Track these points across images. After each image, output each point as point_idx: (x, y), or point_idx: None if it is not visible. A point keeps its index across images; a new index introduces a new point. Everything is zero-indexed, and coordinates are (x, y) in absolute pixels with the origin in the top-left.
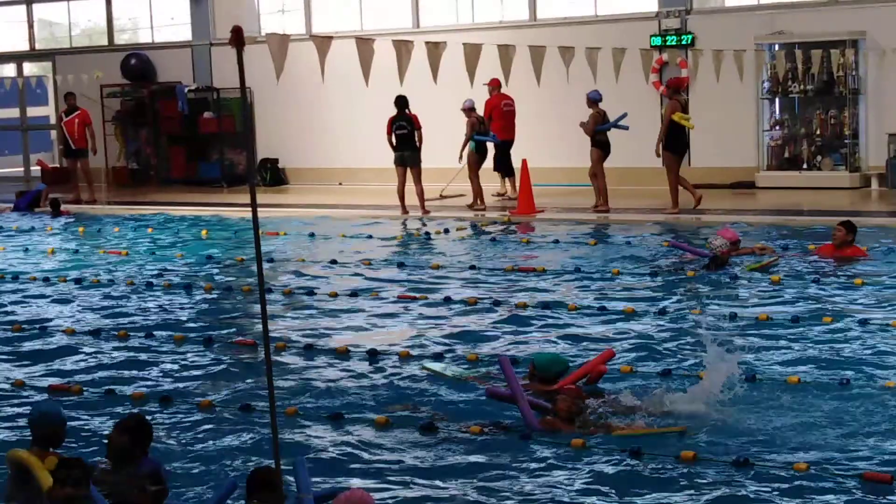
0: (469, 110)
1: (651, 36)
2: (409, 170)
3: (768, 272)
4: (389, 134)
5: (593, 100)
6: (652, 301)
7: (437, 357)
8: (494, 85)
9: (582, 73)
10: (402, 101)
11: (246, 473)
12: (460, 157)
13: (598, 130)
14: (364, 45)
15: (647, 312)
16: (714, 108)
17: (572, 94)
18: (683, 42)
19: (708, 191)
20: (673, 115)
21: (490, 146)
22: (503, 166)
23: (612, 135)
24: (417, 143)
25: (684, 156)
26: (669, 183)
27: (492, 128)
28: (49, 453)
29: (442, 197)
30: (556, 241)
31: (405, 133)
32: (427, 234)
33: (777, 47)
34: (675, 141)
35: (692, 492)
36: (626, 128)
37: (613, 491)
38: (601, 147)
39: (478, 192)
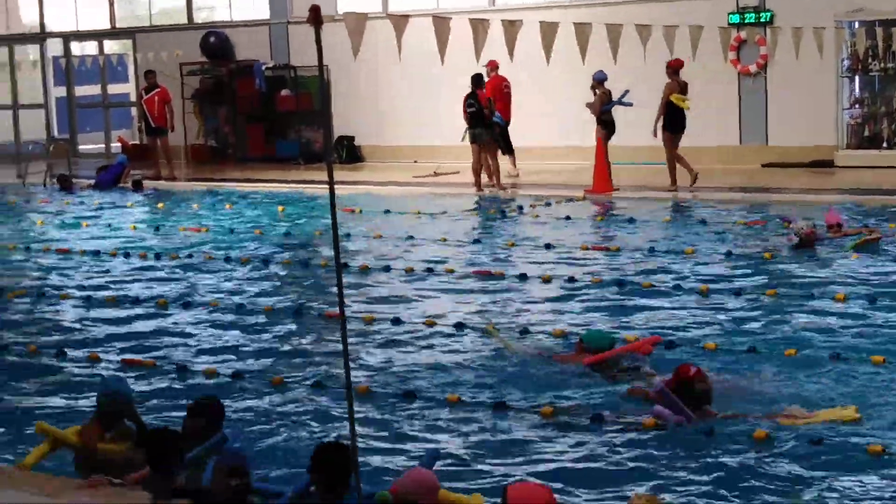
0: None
1: (729, 14)
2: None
3: (868, 250)
4: (465, 111)
5: (598, 80)
6: (727, 280)
7: (521, 332)
8: (493, 67)
9: (659, 52)
10: (473, 80)
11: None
12: (463, 137)
13: (604, 110)
14: (440, 23)
15: (723, 291)
16: (792, 87)
17: (649, 73)
18: (762, 20)
19: (785, 170)
20: (671, 96)
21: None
22: (506, 146)
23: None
24: (486, 121)
25: (681, 135)
26: (667, 161)
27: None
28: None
29: (436, 174)
30: (632, 220)
31: (474, 111)
32: (502, 210)
33: (857, 24)
34: (672, 121)
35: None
36: (630, 104)
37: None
38: (606, 127)
39: (497, 171)
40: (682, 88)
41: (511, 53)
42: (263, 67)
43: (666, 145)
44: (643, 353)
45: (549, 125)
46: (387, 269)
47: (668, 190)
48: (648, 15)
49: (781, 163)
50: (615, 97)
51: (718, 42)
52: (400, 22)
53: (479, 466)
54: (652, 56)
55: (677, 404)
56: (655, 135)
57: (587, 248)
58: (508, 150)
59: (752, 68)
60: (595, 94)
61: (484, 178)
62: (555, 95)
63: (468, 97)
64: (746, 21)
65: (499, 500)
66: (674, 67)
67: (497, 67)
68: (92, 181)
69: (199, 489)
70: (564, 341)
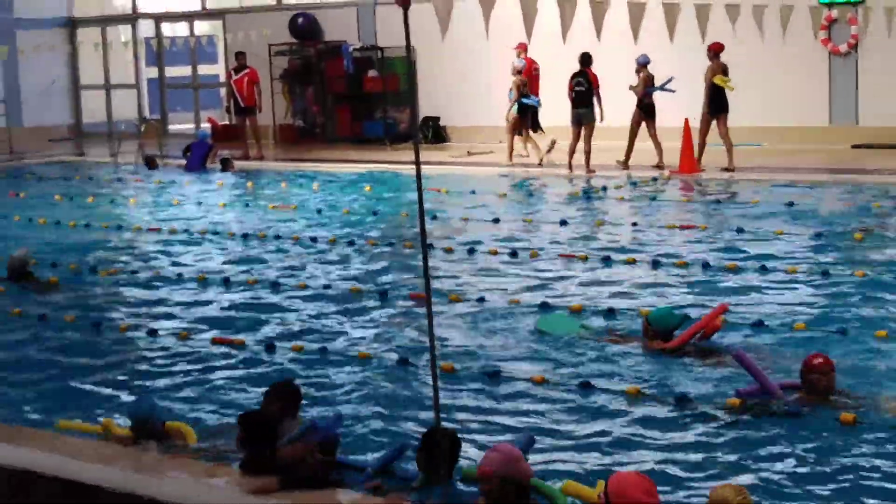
0: (518, 72)
1: None
2: (582, 128)
3: None
4: (571, 90)
5: (642, 63)
6: (815, 262)
7: (605, 314)
8: (523, 49)
9: (748, 31)
10: (583, 59)
11: (407, 433)
12: (507, 117)
13: (647, 93)
14: (528, 3)
15: (812, 271)
16: (884, 66)
17: (738, 52)
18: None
19: (876, 151)
20: (714, 78)
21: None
22: (536, 125)
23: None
24: (596, 101)
25: (726, 115)
26: (726, 145)
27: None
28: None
29: (469, 154)
30: (718, 201)
31: (583, 91)
32: (587, 192)
33: None
34: (715, 102)
35: None
36: (673, 91)
37: None
38: (645, 110)
39: (511, 149)
40: (724, 70)
41: (598, 33)
42: (351, 49)
43: (702, 126)
44: (712, 329)
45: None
46: (471, 250)
47: (724, 169)
48: None
49: (872, 144)
50: (657, 82)
51: (809, 21)
52: (488, 2)
53: (567, 449)
54: (741, 35)
55: (759, 373)
56: (708, 114)
57: (675, 228)
58: (538, 128)
59: (843, 48)
60: (639, 77)
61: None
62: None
63: (576, 76)
64: (837, 0)
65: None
66: (715, 50)
67: (526, 49)
68: (181, 161)
69: (285, 465)
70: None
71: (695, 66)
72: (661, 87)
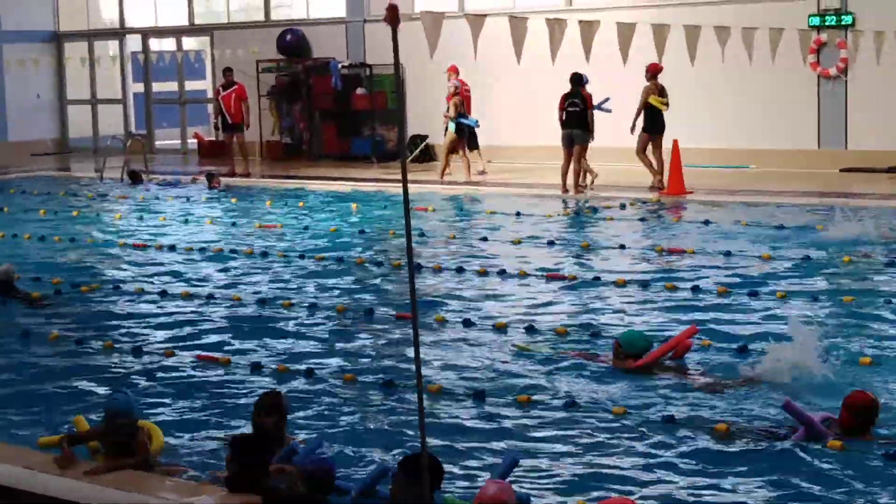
0: (456, 93)
1: (810, 16)
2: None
3: None
4: (561, 110)
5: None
6: (806, 284)
7: (592, 335)
8: (454, 71)
9: (737, 54)
10: (577, 78)
11: (392, 454)
12: (444, 131)
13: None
14: (517, 23)
15: (802, 295)
16: (873, 91)
17: (727, 75)
18: (843, 22)
19: (865, 175)
20: (649, 98)
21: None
22: (475, 143)
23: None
24: (589, 122)
25: (661, 137)
26: (643, 162)
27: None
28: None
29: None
30: (706, 222)
31: (577, 111)
32: (577, 213)
33: None
34: (652, 122)
35: None
36: (610, 110)
37: None
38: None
39: (444, 168)
40: (661, 91)
41: (587, 54)
42: (339, 66)
43: (639, 144)
44: (682, 349)
45: (626, 126)
46: (460, 269)
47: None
48: (728, 16)
49: (861, 167)
50: (595, 101)
51: (798, 44)
52: (476, 21)
53: (555, 469)
54: (730, 58)
55: (810, 421)
56: (633, 132)
57: (662, 251)
58: (476, 146)
59: (832, 71)
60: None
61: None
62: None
63: (569, 96)
64: (827, 24)
65: None
66: (652, 72)
67: (457, 72)
68: (166, 177)
69: (274, 490)
70: (604, 343)
71: (683, 86)
72: (598, 107)
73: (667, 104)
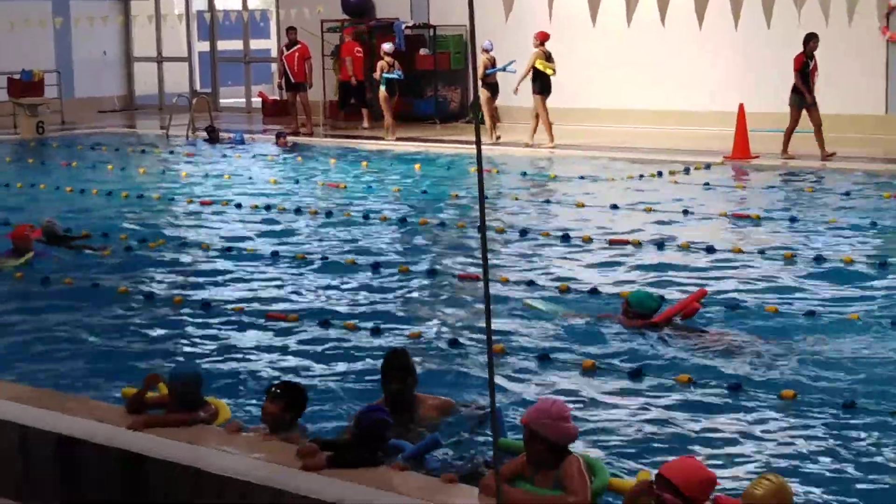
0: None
1: None
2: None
3: None
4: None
5: (486, 49)
6: (872, 254)
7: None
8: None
9: (812, 16)
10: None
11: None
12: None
13: (488, 74)
14: None
15: (867, 263)
16: None
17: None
18: None
19: None
20: (536, 63)
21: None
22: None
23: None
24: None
25: (547, 97)
26: (543, 122)
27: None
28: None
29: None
30: (772, 187)
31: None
32: (641, 175)
33: None
34: (542, 85)
35: None
36: (514, 72)
37: None
38: (489, 88)
39: (390, 124)
40: (548, 57)
41: (662, 16)
42: (403, 26)
43: (538, 108)
44: (691, 311)
45: (702, 89)
46: (523, 232)
47: (548, 147)
48: None
49: None
50: (499, 65)
51: (868, 9)
52: None
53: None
54: (805, 21)
55: None
56: (516, 92)
57: (726, 216)
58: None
59: None
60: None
61: None
62: (704, 58)
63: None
64: None
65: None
66: (541, 39)
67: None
68: (233, 135)
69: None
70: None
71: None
72: (503, 69)
73: (553, 70)
